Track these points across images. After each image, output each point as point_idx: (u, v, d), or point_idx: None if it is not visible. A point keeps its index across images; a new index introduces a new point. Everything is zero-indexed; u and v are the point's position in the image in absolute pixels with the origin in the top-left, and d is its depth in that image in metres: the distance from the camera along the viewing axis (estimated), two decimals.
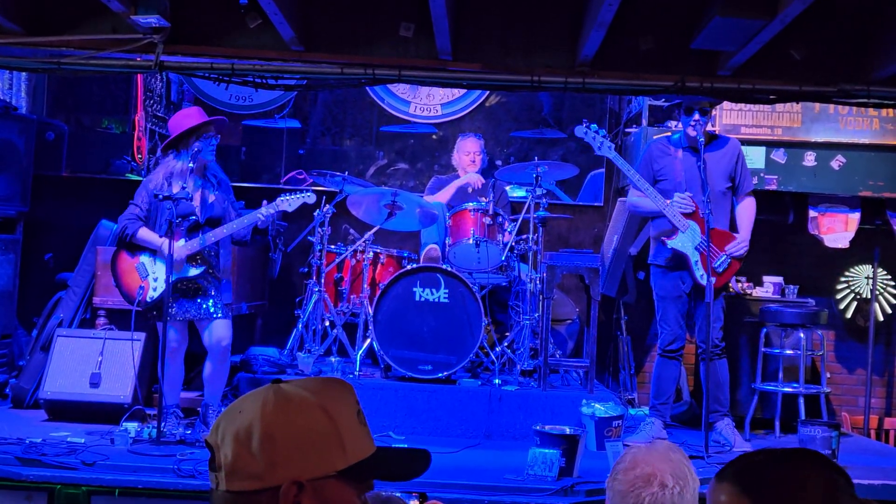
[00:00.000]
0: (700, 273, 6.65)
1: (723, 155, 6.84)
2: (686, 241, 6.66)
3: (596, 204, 9.40)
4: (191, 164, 6.42)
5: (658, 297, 6.96)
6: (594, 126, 6.80)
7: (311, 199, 6.55)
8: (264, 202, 6.47)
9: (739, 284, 8.40)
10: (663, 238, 6.79)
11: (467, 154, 8.36)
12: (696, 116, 6.64)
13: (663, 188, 6.76)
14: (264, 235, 6.63)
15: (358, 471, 1.71)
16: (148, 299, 6.36)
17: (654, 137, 7.58)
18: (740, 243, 6.74)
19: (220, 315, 6.47)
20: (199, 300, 6.43)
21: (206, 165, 6.54)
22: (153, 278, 6.38)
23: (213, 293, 6.46)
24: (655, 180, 6.83)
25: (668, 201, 6.67)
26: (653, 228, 7.00)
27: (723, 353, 6.86)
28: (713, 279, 6.56)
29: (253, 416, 1.67)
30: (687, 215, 6.64)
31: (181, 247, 6.29)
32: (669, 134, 7.17)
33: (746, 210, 6.93)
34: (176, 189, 6.37)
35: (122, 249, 6.49)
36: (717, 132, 7.63)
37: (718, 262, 6.66)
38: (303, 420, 1.68)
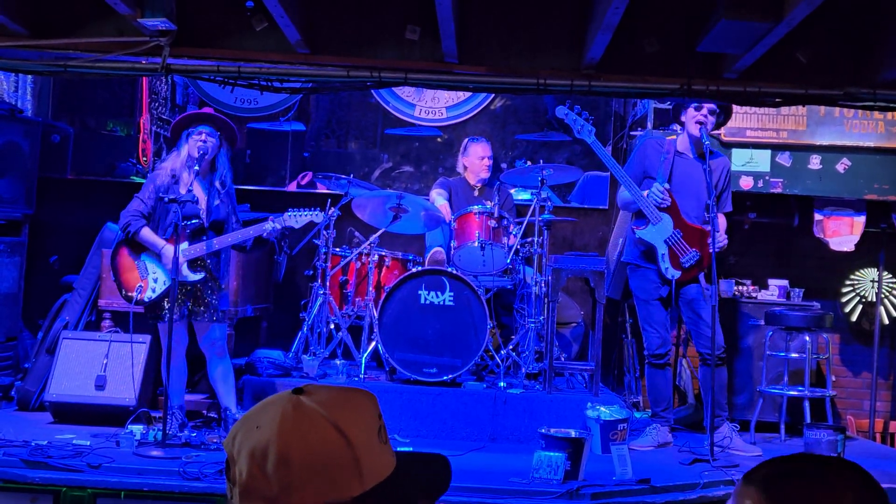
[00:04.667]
0: (665, 266, 6.67)
1: (713, 169, 6.82)
2: (655, 233, 6.68)
3: (601, 207, 9.40)
4: (189, 162, 6.46)
5: (640, 301, 6.95)
6: (577, 108, 6.80)
7: (318, 217, 6.51)
8: (270, 217, 6.46)
9: (744, 287, 8.39)
10: (633, 227, 6.80)
11: (480, 159, 8.36)
12: (704, 112, 6.62)
13: (660, 180, 6.76)
14: (265, 243, 6.64)
15: (374, 495, 1.68)
16: (145, 299, 6.39)
17: (652, 135, 7.62)
18: (718, 237, 6.68)
19: (215, 319, 6.49)
20: (196, 304, 6.44)
21: (215, 167, 6.55)
22: (153, 278, 6.40)
23: (211, 299, 6.47)
24: (646, 176, 6.83)
25: (646, 192, 6.68)
26: (632, 223, 6.98)
27: (724, 360, 6.85)
28: (677, 272, 6.62)
29: (270, 435, 1.64)
30: (661, 209, 6.66)
31: (184, 250, 6.29)
32: (674, 137, 7.16)
33: (720, 223, 6.90)
34: (182, 187, 6.41)
35: (123, 245, 6.50)
36: (723, 137, 7.66)
37: (686, 258, 6.67)
38: (320, 444, 1.64)
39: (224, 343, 6.59)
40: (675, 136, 7.12)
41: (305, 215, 6.49)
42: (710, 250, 6.45)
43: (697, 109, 6.67)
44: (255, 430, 1.66)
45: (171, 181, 6.46)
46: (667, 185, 6.68)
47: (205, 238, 6.41)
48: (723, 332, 6.85)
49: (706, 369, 6.75)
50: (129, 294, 6.42)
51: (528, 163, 7.60)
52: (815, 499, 1.76)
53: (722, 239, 6.73)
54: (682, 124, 6.86)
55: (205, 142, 6.47)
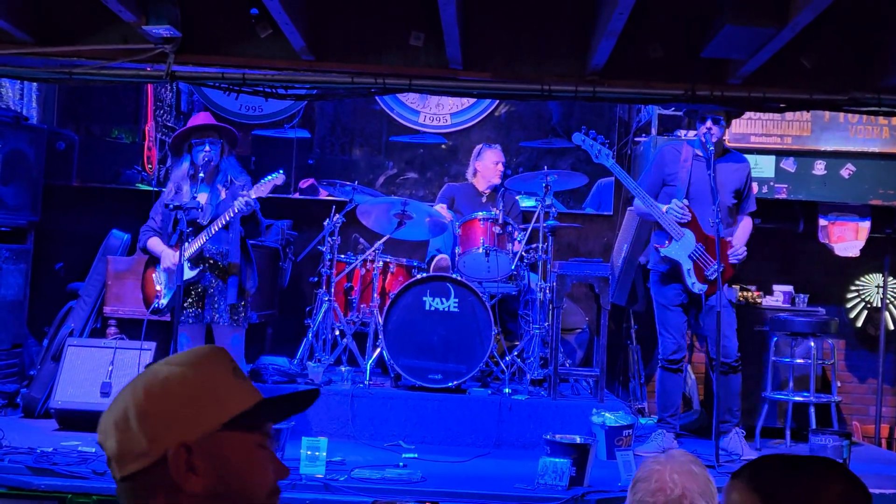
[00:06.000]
0: (692, 281, 6.65)
1: (734, 170, 6.81)
2: (679, 249, 6.65)
3: (605, 213, 9.40)
4: (193, 171, 6.50)
5: (659, 305, 6.93)
6: (593, 132, 6.80)
7: (279, 179, 6.51)
8: (239, 195, 6.47)
9: (749, 293, 8.38)
10: (656, 246, 6.79)
11: (495, 164, 8.35)
12: (709, 124, 6.63)
13: (671, 193, 6.75)
14: (256, 223, 6.65)
15: (246, 418, 1.72)
16: (160, 306, 6.48)
17: (668, 142, 7.65)
18: (738, 249, 6.72)
19: (226, 320, 6.51)
20: (206, 304, 6.48)
21: (219, 170, 6.58)
22: (164, 286, 6.45)
23: (217, 296, 6.49)
24: (665, 184, 6.83)
25: (665, 208, 6.66)
26: (653, 236, 6.99)
27: (737, 368, 6.83)
28: (704, 286, 6.60)
29: (126, 401, 1.70)
30: (682, 224, 6.64)
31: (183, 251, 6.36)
32: (685, 139, 7.16)
33: (744, 226, 6.92)
34: (185, 195, 6.45)
35: (147, 262, 6.63)
36: (727, 143, 7.65)
37: (711, 270, 6.64)
38: (174, 387, 1.70)
39: (239, 352, 6.59)
40: (682, 140, 7.12)
41: (267, 181, 6.46)
42: (723, 258, 6.41)
43: (702, 122, 6.68)
44: (114, 405, 1.73)
45: (173, 190, 6.54)
46: (685, 201, 6.64)
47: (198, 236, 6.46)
48: (737, 340, 6.84)
49: (720, 377, 6.73)
50: (150, 304, 6.54)
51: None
52: (801, 492, 1.78)
53: (741, 252, 6.70)
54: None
55: (208, 152, 6.50)
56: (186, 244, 6.31)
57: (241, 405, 1.72)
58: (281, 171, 6.57)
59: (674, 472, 2.66)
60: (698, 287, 6.63)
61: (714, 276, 6.63)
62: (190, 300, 6.47)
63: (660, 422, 6.97)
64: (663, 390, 6.95)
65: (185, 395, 1.69)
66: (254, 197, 6.41)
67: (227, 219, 6.43)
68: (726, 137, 7.62)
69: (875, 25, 5.88)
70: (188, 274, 6.41)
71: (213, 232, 6.42)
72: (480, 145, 8.60)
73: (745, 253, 6.79)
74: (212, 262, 6.50)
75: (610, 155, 6.77)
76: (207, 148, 6.50)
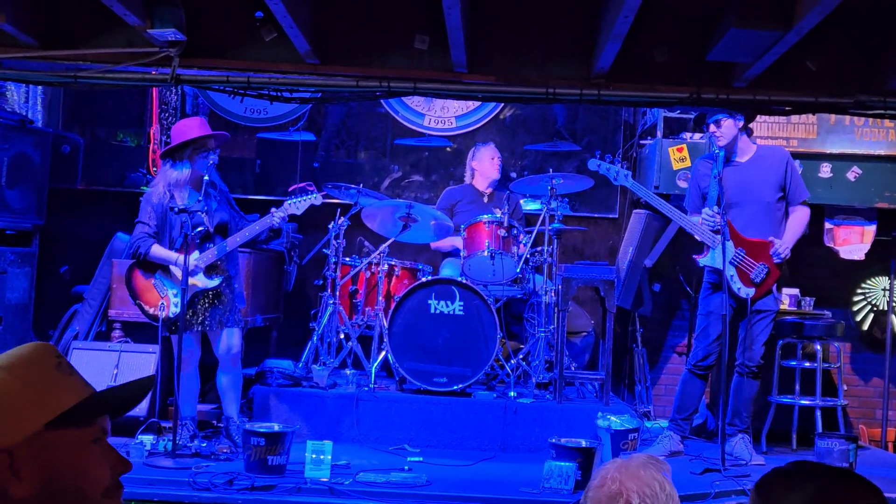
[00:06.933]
0: (738, 286, 6.57)
1: (769, 165, 6.73)
2: (718, 257, 6.58)
3: (610, 216, 9.38)
4: (192, 178, 6.45)
5: (705, 313, 6.82)
6: (609, 157, 6.76)
7: (317, 200, 6.54)
8: (272, 209, 6.48)
9: None
10: (693, 256, 6.75)
11: (491, 159, 8.39)
12: (712, 128, 6.62)
13: (709, 204, 6.72)
14: (278, 235, 6.65)
15: (73, 416, 1.68)
16: (171, 315, 6.34)
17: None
18: (778, 248, 6.62)
19: (230, 324, 6.48)
20: (217, 309, 6.44)
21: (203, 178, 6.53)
22: (173, 293, 6.35)
23: (229, 301, 6.48)
24: (705, 197, 6.79)
25: (699, 220, 6.62)
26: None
27: (758, 374, 6.79)
28: (751, 290, 6.53)
29: None
30: (716, 232, 6.56)
31: (197, 259, 6.29)
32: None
33: (794, 219, 6.77)
34: (179, 199, 6.40)
35: (136, 268, 6.47)
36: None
37: (756, 273, 6.58)
38: None
39: (240, 352, 6.58)
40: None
41: (305, 200, 6.49)
42: (766, 258, 6.40)
43: (706, 129, 6.70)
44: None
45: (167, 193, 6.43)
46: (716, 209, 6.57)
47: (212, 243, 6.40)
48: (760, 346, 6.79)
49: (738, 378, 6.72)
50: (154, 312, 6.40)
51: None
52: None
53: (783, 251, 6.60)
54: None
55: (212, 160, 6.48)
56: (198, 251, 6.30)
57: (67, 402, 1.69)
58: (316, 193, 6.58)
59: (619, 471, 2.69)
60: (745, 292, 6.55)
61: (760, 279, 6.58)
62: (202, 306, 6.44)
63: (671, 421, 6.94)
64: (683, 391, 6.91)
65: (3, 399, 1.66)
66: (290, 213, 6.43)
67: (258, 230, 6.42)
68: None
69: (880, 28, 5.87)
70: (211, 283, 6.37)
71: (238, 241, 6.39)
72: (473, 147, 8.65)
73: (789, 252, 6.66)
74: (224, 269, 6.48)
75: (629, 175, 6.73)
76: (212, 156, 6.49)
